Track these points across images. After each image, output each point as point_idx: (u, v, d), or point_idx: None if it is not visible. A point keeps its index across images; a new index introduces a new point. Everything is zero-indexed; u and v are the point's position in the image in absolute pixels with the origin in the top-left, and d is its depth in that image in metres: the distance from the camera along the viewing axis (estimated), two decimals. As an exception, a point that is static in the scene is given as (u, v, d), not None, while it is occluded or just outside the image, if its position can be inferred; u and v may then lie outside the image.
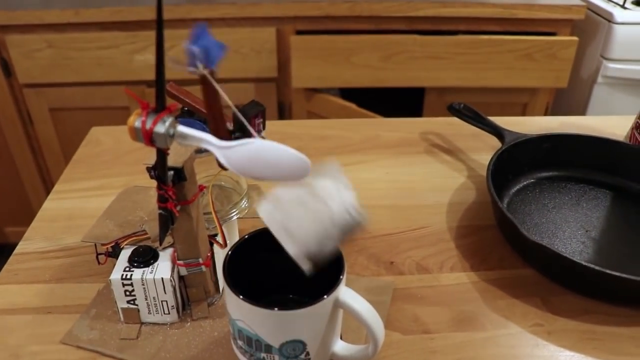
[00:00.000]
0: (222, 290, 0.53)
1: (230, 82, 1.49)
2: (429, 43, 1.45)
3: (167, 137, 0.37)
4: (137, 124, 0.36)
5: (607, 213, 0.66)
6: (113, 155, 0.78)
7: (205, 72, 0.36)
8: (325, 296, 0.40)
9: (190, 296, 0.52)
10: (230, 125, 0.45)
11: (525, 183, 0.71)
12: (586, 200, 0.68)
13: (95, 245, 0.54)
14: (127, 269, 0.48)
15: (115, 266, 0.49)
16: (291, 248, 0.38)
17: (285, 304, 0.39)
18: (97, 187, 0.71)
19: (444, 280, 0.57)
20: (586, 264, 0.50)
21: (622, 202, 0.68)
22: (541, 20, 1.46)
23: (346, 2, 1.41)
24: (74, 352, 0.48)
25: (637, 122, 0.76)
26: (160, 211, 0.44)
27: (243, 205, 0.55)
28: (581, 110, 1.62)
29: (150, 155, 0.41)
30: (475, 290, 0.56)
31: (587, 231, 0.63)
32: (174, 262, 0.49)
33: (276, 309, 0.39)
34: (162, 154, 0.40)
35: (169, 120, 0.37)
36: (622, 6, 1.52)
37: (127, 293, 0.48)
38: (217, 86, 0.37)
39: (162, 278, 0.47)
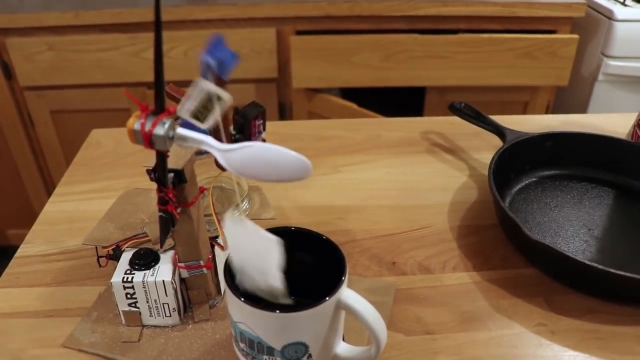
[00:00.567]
0: (224, 293, 0.53)
1: (231, 83, 1.49)
2: (430, 42, 1.45)
3: (166, 140, 0.37)
4: (136, 126, 0.36)
5: (610, 211, 0.66)
6: (114, 157, 0.78)
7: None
8: (327, 298, 0.39)
9: (191, 298, 0.51)
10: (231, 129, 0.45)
11: (527, 182, 0.71)
12: (588, 199, 0.68)
13: (96, 248, 0.54)
14: (128, 271, 0.48)
15: (116, 269, 0.48)
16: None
17: (287, 306, 0.39)
18: (98, 189, 0.71)
19: (446, 280, 0.57)
20: (589, 263, 0.50)
21: (624, 200, 0.68)
22: (541, 18, 1.46)
23: (346, 2, 1.41)
24: (75, 356, 0.48)
25: (639, 119, 0.76)
26: (161, 214, 0.44)
27: (244, 207, 0.55)
28: (582, 108, 1.62)
29: (150, 158, 0.41)
30: (477, 290, 0.56)
31: (589, 230, 0.62)
32: (175, 265, 0.49)
33: (278, 311, 0.39)
34: (162, 156, 0.40)
35: (169, 122, 0.37)
36: (623, 3, 1.52)
37: (129, 296, 0.48)
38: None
39: (163, 280, 0.47)
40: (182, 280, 0.50)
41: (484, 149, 0.80)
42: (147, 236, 0.52)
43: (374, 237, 0.63)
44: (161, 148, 0.37)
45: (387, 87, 1.52)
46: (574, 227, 0.63)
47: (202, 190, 0.47)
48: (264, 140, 0.50)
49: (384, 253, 0.60)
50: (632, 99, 1.56)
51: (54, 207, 0.68)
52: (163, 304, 0.49)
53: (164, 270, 0.48)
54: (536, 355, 0.48)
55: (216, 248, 0.51)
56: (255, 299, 0.40)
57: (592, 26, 1.56)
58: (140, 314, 0.50)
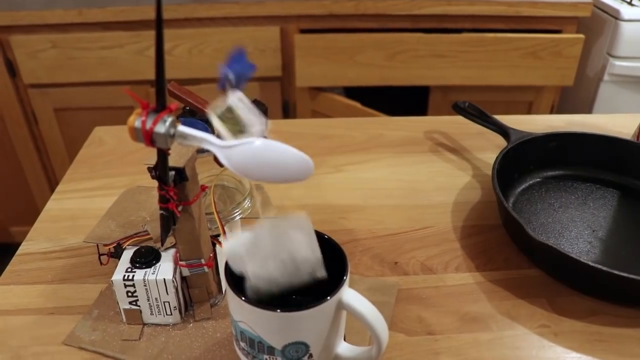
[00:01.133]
0: (225, 291, 0.53)
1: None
2: (434, 41, 1.44)
3: (167, 137, 0.36)
4: (137, 124, 0.36)
5: (615, 213, 0.65)
6: (116, 155, 0.78)
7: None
8: (328, 297, 0.39)
9: (192, 297, 0.51)
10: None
11: (531, 182, 0.70)
12: (593, 200, 0.67)
13: (98, 245, 0.54)
14: (129, 269, 0.48)
15: (117, 267, 0.48)
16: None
17: (288, 306, 0.39)
18: (100, 187, 0.71)
19: (448, 280, 0.57)
20: (593, 264, 0.49)
21: (629, 201, 0.67)
22: (547, 17, 1.45)
23: (350, 0, 1.41)
24: (76, 353, 0.48)
25: (645, 120, 0.76)
26: (162, 212, 0.44)
27: (246, 205, 0.54)
28: (587, 109, 1.61)
29: (152, 155, 0.41)
30: (480, 290, 0.55)
31: (594, 231, 0.62)
32: (176, 263, 0.49)
33: (278, 310, 0.38)
34: (163, 154, 0.40)
35: (170, 120, 0.36)
36: (629, 3, 1.51)
37: (129, 294, 0.48)
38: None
39: (164, 279, 0.47)
40: (183, 278, 0.50)
41: (488, 148, 0.80)
42: (148, 234, 0.52)
43: (376, 237, 0.63)
44: (162, 146, 0.37)
45: (391, 86, 1.52)
46: (578, 228, 0.63)
47: (203, 188, 0.47)
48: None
49: (386, 253, 0.60)
50: (637, 100, 1.55)
51: (56, 205, 0.68)
52: (164, 302, 0.49)
53: (165, 268, 0.48)
54: (538, 356, 0.48)
55: (217, 246, 0.50)
56: (256, 298, 0.39)
57: (598, 26, 1.55)
58: (141, 312, 0.49)
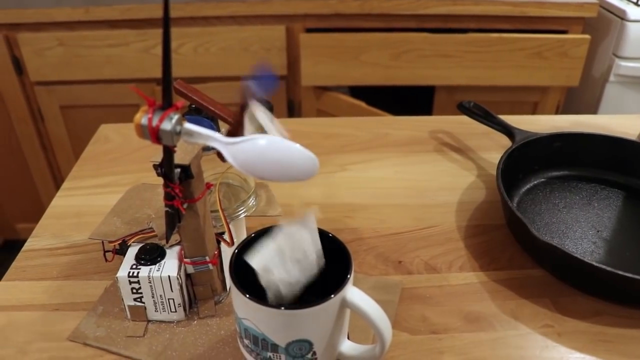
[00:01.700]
0: (229, 289, 0.53)
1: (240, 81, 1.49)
2: (439, 41, 1.44)
3: (173, 135, 0.37)
4: (144, 121, 0.36)
5: (619, 213, 0.65)
6: (121, 152, 0.78)
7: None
8: (332, 295, 0.39)
9: (197, 294, 0.51)
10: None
11: (535, 182, 0.70)
12: (597, 200, 0.67)
13: (103, 242, 0.54)
14: (134, 266, 0.48)
15: (122, 264, 0.49)
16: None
17: (292, 303, 0.39)
18: (105, 184, 0.71)
19: (452, 280, 0.57)
20: (597, 264, 0.49)
21: (634, 202, 0.67)
22: (552, 18, 1.45)
23: (356, 0, 1.41)
24: (80, 349, 0.48)
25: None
26: (167, 209, 0.44)
27: (251, 203, 0.54)
28: (593, 109, 1.60)
29: (157, 153, 0.41)
30: (484, 290, 0.55)
31: (598, 231, 0.62)
32: (181, 260, 0.49)
33: (282, 308, 0.39)
34: (168, 152, 0.40)
35: (176, 118, 0.36)
36: (636, 4, 1.50)
37: (134, 291, 0.48)
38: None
39: (169, 276, 0.47)
40: (188, 275, 0.50)
41: (493, 148, 0.80)
42: (153, 231, 0.52)
43: (380, 236, 0.63)
44: (168, 143, 0.37)
45: (396, 86, 1.52)
46: (583, 228, 0.62)
47: (208, 186, 0.47)
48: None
49: (390, 252, 0.60)
50: (643, 101, 1.55)
51: (62, 202, 0.68)
52: (168, 299, 0.49)
53: (170, 265, 0.48)
54: (542, 356, 0.48)
55: (222, 244, 0.51)
56: (261, 296, 0.39)
57: (603, 26, 1.54)
58: (145, 309, 0.50)
